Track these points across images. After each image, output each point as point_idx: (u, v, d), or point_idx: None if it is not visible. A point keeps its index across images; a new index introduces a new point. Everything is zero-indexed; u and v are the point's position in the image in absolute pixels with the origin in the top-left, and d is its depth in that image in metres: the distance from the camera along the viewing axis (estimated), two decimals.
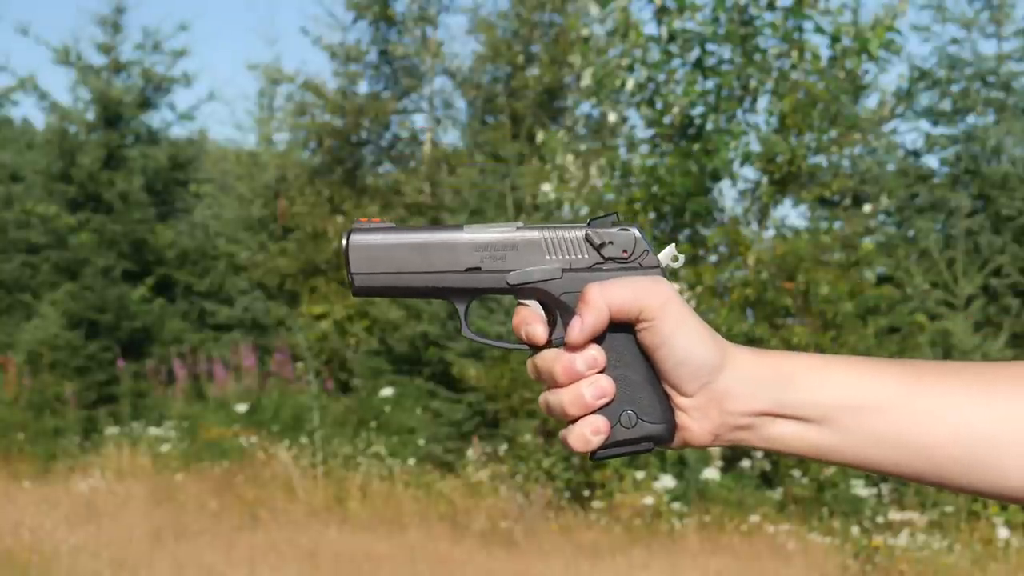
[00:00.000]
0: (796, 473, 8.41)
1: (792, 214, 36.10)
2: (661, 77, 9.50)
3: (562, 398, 1.05)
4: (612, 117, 9.88)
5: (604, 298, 1.04)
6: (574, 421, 1.05)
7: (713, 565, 6.83)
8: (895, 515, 7.59)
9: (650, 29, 9.68)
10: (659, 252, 1.09)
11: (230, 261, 14.09)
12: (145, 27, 14.61)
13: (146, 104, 14.29)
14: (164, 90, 14.41)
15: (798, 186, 9.75)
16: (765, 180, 9.44)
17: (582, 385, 1.04)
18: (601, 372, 1.05)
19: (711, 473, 8.37)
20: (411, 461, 9.44)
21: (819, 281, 8.86)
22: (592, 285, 1.05)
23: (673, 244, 1.10)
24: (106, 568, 6.54)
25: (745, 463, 8.68)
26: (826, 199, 10.97)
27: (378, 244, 1.08)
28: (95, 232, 13.35)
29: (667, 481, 8.22)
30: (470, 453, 9.41)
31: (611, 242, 1.08)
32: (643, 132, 10.04)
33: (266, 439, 10.10)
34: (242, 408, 11.11)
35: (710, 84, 9.36)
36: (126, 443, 10.34)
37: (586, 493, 8.50)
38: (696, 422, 1.05)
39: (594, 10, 9.79)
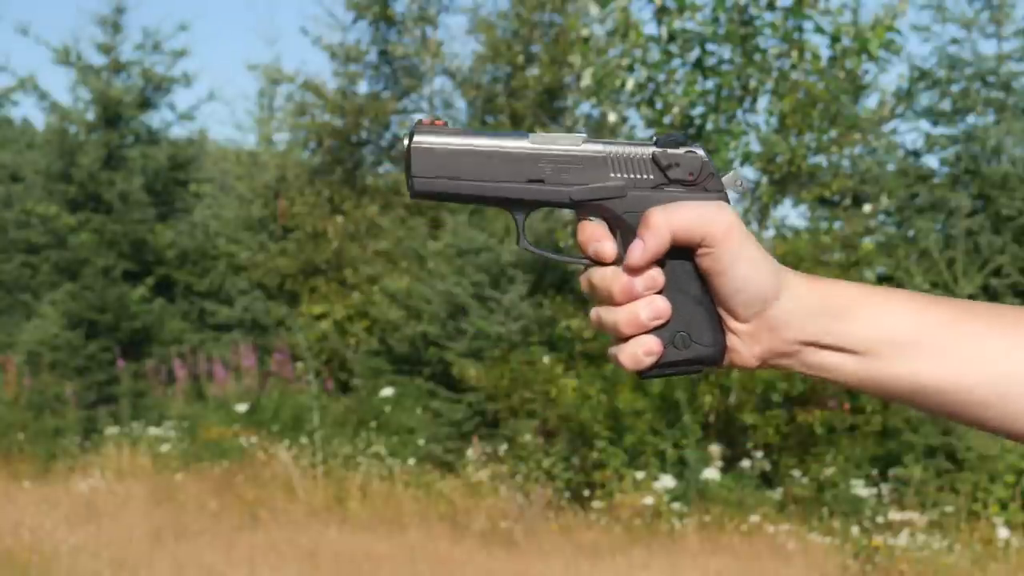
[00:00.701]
0: (796, 473, 8.41)
1: (792, 214, 36.08)
2: (661, 77, 9.50)
3: (617, 316, 1.04)
4: (612, 117, 9.89)
5: (668, 223, 1.03)
6: (626, 340, 1.05)
7: (713, 565, 6.83)
8: (895, 515, 7.59)
9: (650, 29, 9.69)
10: (723, 176, 1.09)
11: (230, 261, 14.09)
12: (145, 27, 14.61)
13: (146, 104, 14.29)
14: (164, 90, 14.40)
15: (798, 186, 9.75)
16: (765, 180, 9.44)
17: (639, 305, 1.04)
18: (658, 293, 1.05)
19: (711, 473, 8.37)
20: (411, 461, 9.44)
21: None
22: (656, 209, 1.04)
23: (737, 169, 1.09)
24: (106, 568, 6.54)
25: (745, 463, 8.68)
26: (826, 199, 10.97)
27: (442, 148, 1.06)
28: (95, 232, 13.35)
29: (667, 481, 8.22)
30: (470, 453, 9.41)
31: (678, 164, 1.06)
32: (643, 132, 10.04)
33: (266, 439, 10.10)
34: (242, 408, 11.11)
35: (710, 84, 9.37)
36: (126, 443, 10.34)
37: (586, 493, 8.50)
38: (745, 346, 1.06)
39: (594, 10, 9.79)
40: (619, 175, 1.06)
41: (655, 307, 1.04)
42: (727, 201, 1.07)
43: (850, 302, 1.05)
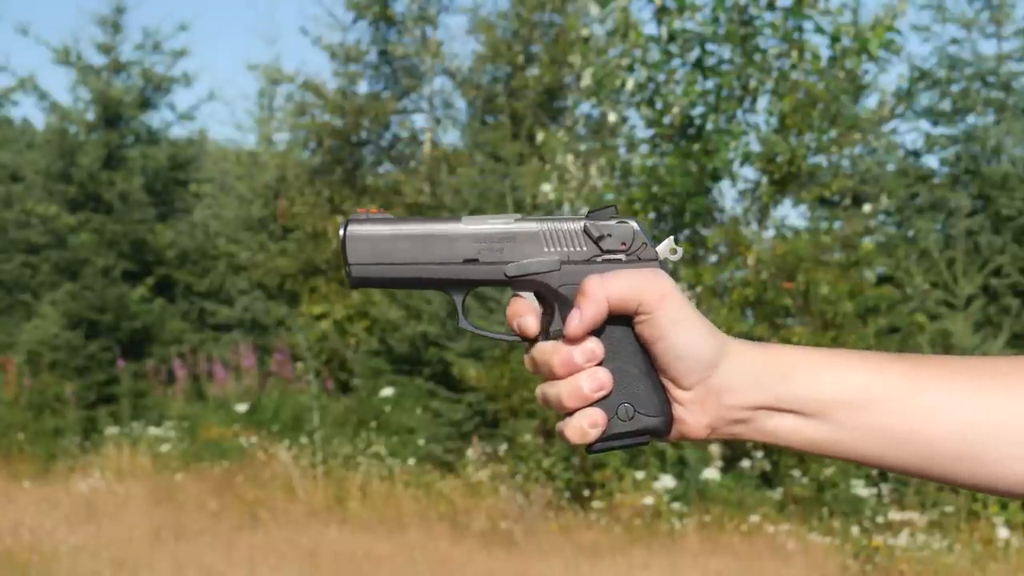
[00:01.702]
0: (796, 473, 8.41)
1: (792, 214, 36.12)
2: (661, 77, 9.50)
3: (560, 390, 1.04)
4: (612, 117, 9.89)
5: (603, 290, 1.03)
6: (571, 413, 1.05)
7: (713, 565, 6.83)
8: (895, 515, 7.59)
9: (650, 29, 9.69)
10: (658, 245, 1.09)
11: (230, 261, 14.09)
12: (145, 27, 14.62)
13: (146, 104, 14.29)
14: (164, 90, 14.41)
15: (798, 186, 9.75)
16: (765, 180, 9.44)
17: (580, 377, 1.04)
18: (599, 365, 1.05)
19: (711, 473, 8.37)
20: (411, 461, 9.44)
21: (819, 281, 8.86)
22: (591, 277, 1.04)
23: (672, 237, 1.10)
24: (106, 568, 6.54)
25: (745, 463, 8.68)
26: (826, 199, 10.97)
27: (375, 235, 1.07)
28: (95, 232, 13.35)
29: (667, 481, 8.22)
30: (470, 453, 9.41)
31: (610, 234, 1.07)
32: (643, 132, 10.05)
33: (266, 439, 10.10)
34: (242, 408, 11.11)
35: (710, 84, 9.37)
36: (126, 443, 10.34)
37: (586, 493, 8.50)
38: (693, 415, 1.05)
39: (594, 10, 9.79)
40: (553, 249, 1.07)
41: (596, 379, 1.04)
42: (664, 268, 1.07)
43: (795, 363, 1.04)
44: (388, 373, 11.77)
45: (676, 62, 9.48)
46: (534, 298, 1.08)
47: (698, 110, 9.42)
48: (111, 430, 10.93)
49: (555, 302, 1.07)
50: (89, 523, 7.72)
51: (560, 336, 1.05)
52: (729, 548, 7.25)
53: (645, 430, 1.06)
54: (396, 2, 15.04)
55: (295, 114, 15.38)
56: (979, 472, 1.02)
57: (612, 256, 1.07)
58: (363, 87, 15.25)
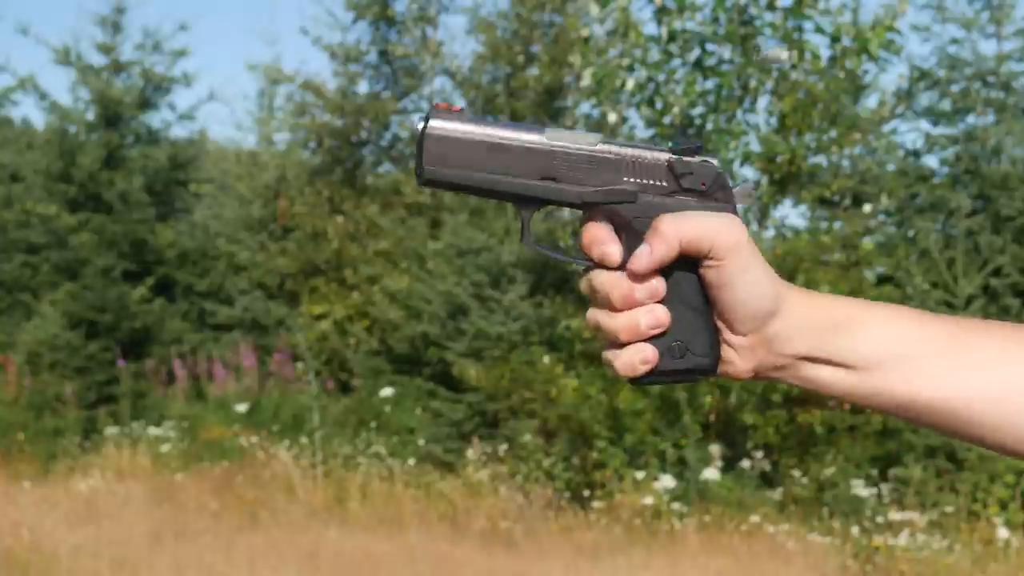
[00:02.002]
0: (796, 473, 8.41)
1: (792, 214, 36.09)
2: (661, 77, 9.50)
3: (616, 323, 1.03)
4: (612, 117, 9.89)
5: (677, 231, 1.02)
6: (622, 346, 1.05)
7: (713, 565, 6.83)
8: (895, 515, 7.59)
9: (650, 29, 9.70)
10: (735, 188, 1.08)
11: (230, 261, 14.09)
12: (145, 27, 14.60)
13: (146, 104, 14.28)
14: (164, 90, 14.40)
15: (798, 186, 9.75)
16: (765, 180, 9.44)
17: (639, 313, 1.03)
18: (659, 302, 1.04)
19: (711, 473, 8.37)
20: (411, 461, 9.44)
21: (819, 281, 8.86)
22: (666, 216, 1.03)
23: (751, 182, 1.09)
24: (106, 568, 6.54)
25: (745, 463, 8.68)
26: (826, 199, 10.97)
27: (456, 137, 1.04)
28: (95, 232, 13.34)
29: (667, 481, 8.22)
30: (470, 453, 9.41)
31: (691, 173, 1.05)
32: (643, 132, 10.05)
33: (266, 439, 10.10)
34: (242, 408, 11.11)
35: (710, 84, 9.37)
36: (126, 443, 10.34)
37: (586, 493, 8.50)
38: (741, 358, 1.06)
39: (594, 10, 9.79)
40: (632, 179, 1.05)
41: (655, 316, 1.03)
42: (737, 214, 1.06)
43: (848, 317, 1.04)
44: (388, 373, 11.77)
45: (676, 62, 9.49)
46: (609, 225, 1.06)
47: (698, 110, 9.43)
48: (111, 430, 10.92)
49: (624, 233, 1.05)
50: (89, 523, 7.71)
51: (625, 268, 1.04)
52: (729, 548, 7.25)
53: (694, 369, 1.05)
54: (396, 2, 15.04)
55: (295, 114, 15.37)
56: (1012, 436, 1.03)
57: (690, 195, 1.05)
58: (363, 87, 15.25)
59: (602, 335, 1.05)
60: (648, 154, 1.06)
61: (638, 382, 1.05)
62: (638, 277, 1.03)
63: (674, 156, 1.06)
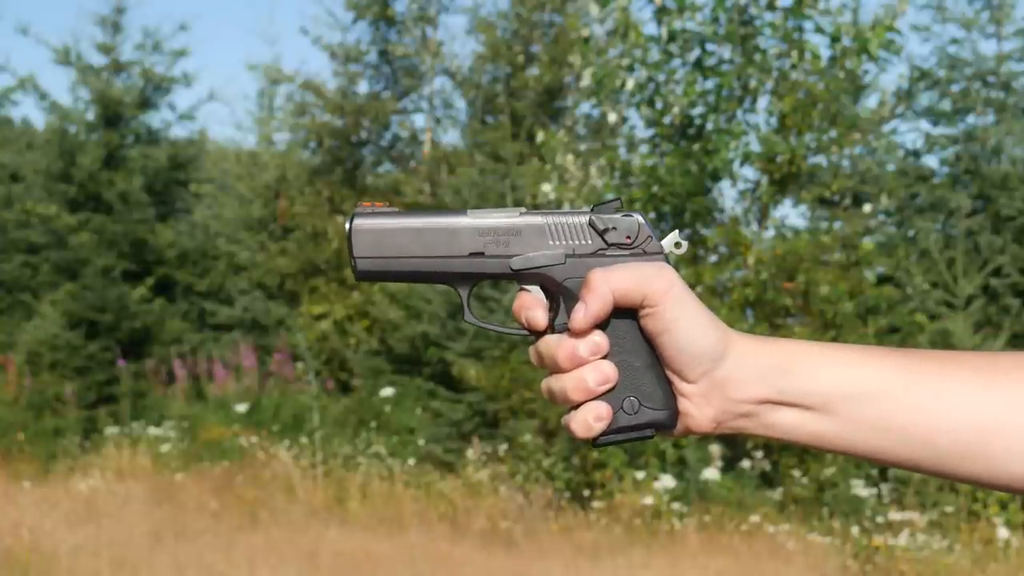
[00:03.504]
0: (796, 473, 8.41)
1: (792, 214, 36.12)
2: (661, 77, 9.50)
3: (564, 384, 1.04)
4: (612, 117, 9.89)
5: (608, 283, 1.03)
6: (576, 407, 1.05)
7: (713, 565, 6.83)
8: (895, 515, 7.59)
9: (650, 29, 9.70)
10: (662, 239, 1.09)
11: (230, 261, 14.09)
12: (145, 27, 14.61)
13: (146, 104, 14.28)
14: (164, 90, 14.40)
15: (798, 186, 9.75)
16: (765, 180, 9.44)
17: (585, 371, 1.04)
18: (604, 358, 1.04)
19: (711, 473, 8.37)
20: (411, 461, 9.44)
21: (819, 281, 8.86)
22: (596, 270, 1.04)
23: (676, 231, 1.10)
24: (106, 568, 6.54)
25: (745, 463, 8.68)
26: (826, 199, 10.97)
27: (381, 228, 1.07)
28: (95, 232, 13.34)
29: (667, 481, 8.22)
30: (470, 453, 9.41)
31: (614, 228, 1.07)
32: (643, 132, 10.05)
33: (266, 439, 10.10)
34: (242, 408, 11.11)
35: (710, 84, 9.37)
36: (126, 443, 10.34)
37: (586, 493, 8.50)
38: (698, 408, 1.05)
39: (594, 10, 9.79)
40: (558, 242, 1.07)
41: (601, 372, 1.04)
42: (668, 262, 1.07)
43: (801, 358, 1.04)
44: (388, 373, 11.77)
45: (676, 62, 9.48)
46: (540, 291, 1.08)
47: (698, 110, 9.42)
48: (111, 430, 10.92)
49: (560, 295, 1.07)
50: (89, 523, 7.71)
51: (565, 329, 1.05)
52: (729, 548, 7.25)
53: (650, 423, 1.05)
54: (396, 2, 15.04)
55: (295, 114, 15.38)
56: (979, 467, 1.02)
57: (617, 250, 1.07)
58: (363, 87, 15.26)
59: (556, 401, 1.06)
60: (570, 217, 1.08)
61: (597, 443, 1.06)
62: (579, 335, 1.04)
63: (593, 214, 1.07)
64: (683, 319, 1.03)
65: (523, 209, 1.09)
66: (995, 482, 1.03)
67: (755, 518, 7.75)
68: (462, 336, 10.74)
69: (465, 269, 1.08)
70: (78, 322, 12.52)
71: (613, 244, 1.07)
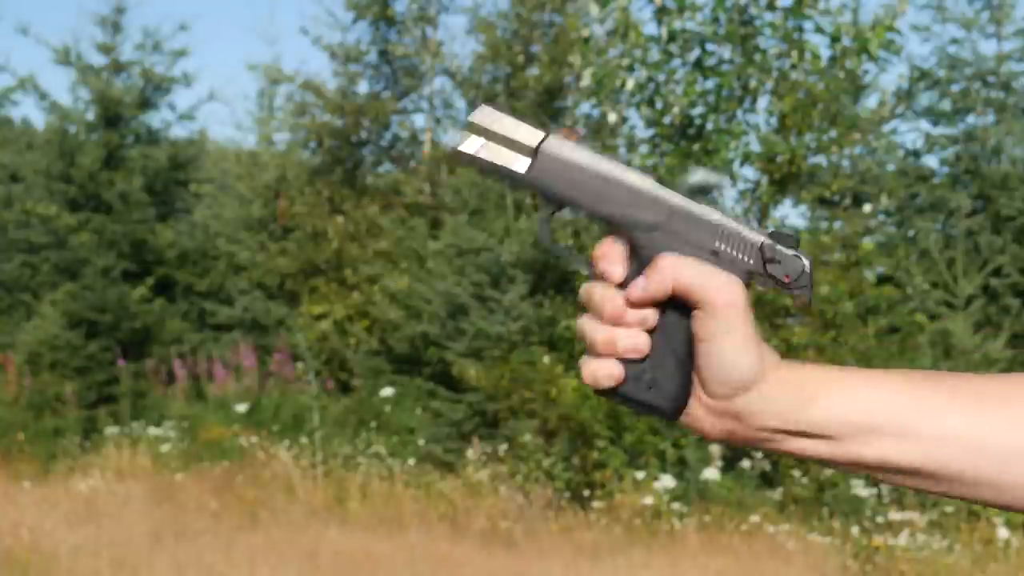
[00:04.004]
0: (796, 473, 8.41)
1: (792, 214, 36.02)
2: (661, 77, 9.50)
3: (597, 334, 1.04)
4: (612, 117, 9.89)
5: (674, 272, 1.03)
6: (598, 356, 1.06)
7: (713, 565, 6.83)
8: (895, 515, 7.59)
9: (650, 29, 9.69)
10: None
11: (230, 261, 14.09)
12: (145, 27, 14.61)
13: (146, 104, 14.29)
14: (164, 90, 14.40)
15: (798, 186, 9.75)
16: (765, 180, 9.44)
17: (621, 333, 1.04)
18: (646, 331, 1.04)
19: (711, 473, 8.37)
20: (411, 461, 9.44)
21: (819, 281, 8.86)
22: (670, 256, 1.04)
23: (808, 279, 1.08)
24: (106, 568, 6.54)
25: (745, 463, 8.68)
26: (826, 199, 10.97)
27: (570, 161, 1.06)
28: (95, 232, 13.35)
29: (667, 481, 8.22)
30: (470, 453, 9.41)
31: (779, 262, 1.06)
32: (643, 132, 10.05)
33: (266, 439, 10.10)
34: (242, 408, 11.11)
35: (710, 84, 9.37)
36: (126, 443, 10.34)
37: (586, 493, 8.50)
38: (709, 419, 1.06)
39: (594, 10, 9.79)
40: (722, 246, 1.06)
41: (634, 342, 1.03)
42: (747, 286, 1.06)
43: (817, 389, 1.04)
44: (388, 373, 11.77)
45: (676, 62, 9.48)
46: (624, 245, 1.07)
47: (698, 110, 9.42)
48: (111, 430, 10.93)
49: (637, 260, 1.06)
50: (89, 523, 7.72)
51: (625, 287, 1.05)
52: (729, 548, 7.25)
53: (654, 406, 1.05)
54: (396, 2, 15.04)
55: (295, 114, 15.37)
56: (1001, 496, 1.03)
57: (769, 282, 1.06)
58: (363, 87, 15.25)
59: (582, 340, 1.06)
60: (745, 230, 1.06)
61: (600, 393, 1.06)
62: (632, 303, 1.04)
63: (768, 240, 1.06)
64: (728, 338, 1.02)
65: (717, 209, 1.07)
66: (1015, 505, 1.03)
67: (755, 518, 7.75)
68: (462, 336, 10.74)
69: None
70: (78, 322, 12.52)
71: (770, 276, 1.06)
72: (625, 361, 1.04)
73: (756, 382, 1.03)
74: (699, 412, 1.06)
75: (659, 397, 1.05)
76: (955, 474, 1.03)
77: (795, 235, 1.07)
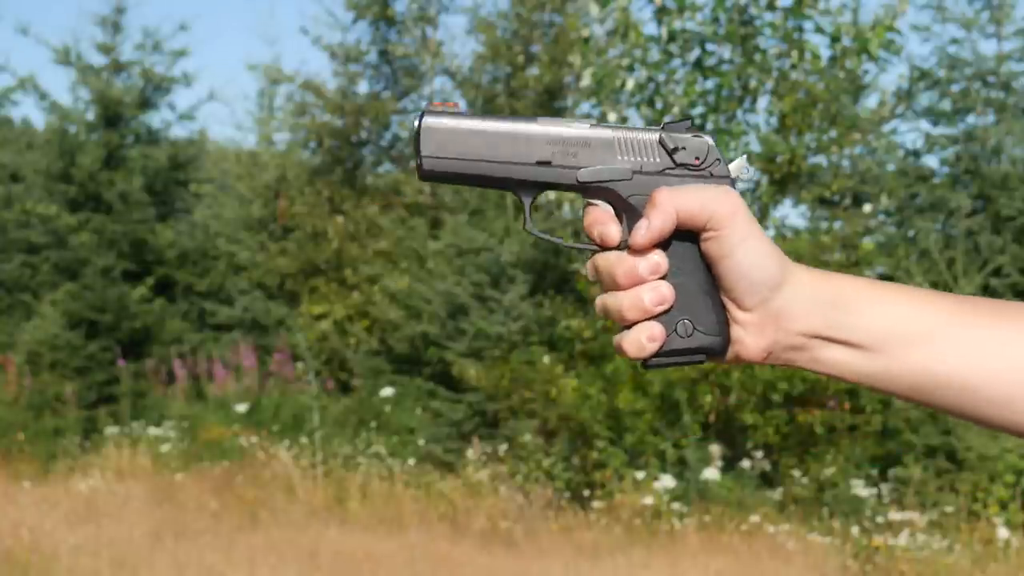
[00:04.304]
0: (796, 473, 8.41)
1: (792, 214, 36.08)
2: (661, 77, 9.50)
3: (621, 301, 1.04)
4: (612, 117, 9.89)
5: (673, 202, 1.03)
6: (630, 326, 1.04)
7: (713, 565, 6.83)
8: (895, 515, 7.59)
9: (650, 29, 9.70)
10: (730, 163, 1.08)
11: (230, 261, 14.09)
12: (145, 27, 14.61)
13: (146, 104, 14.29)
14: (164, 90, 14.40)
15: (798, 186, 9.75)
16: (765, 180, 9.45)
17: (642, 290, 1.03)
18: (662, 279, 1.04)
19: (711, 473, 8.37)
20: (411, 461, 9.44)
21: None
22: (662, 189, 1.03)
23: (745, 156, 1.09)
24: (106, 568, 6.54)
25: (745, 463, 8.68)
26: (826, 199, 10.97)
27: (451, 128, 1.06)
28: (95, 232, 13.34)
29: (667, 481, 8.22)
30: (470, 453, 9.41)
31: (684, 147, 1.06)
32: None
33: (266, 439, 10.10)
34: (242, 408, 11.11)
35: (710, 84, 9.37)
36: (126, 443, 10.34)
37: (586, 493, 8.50)
38: (751, 337, 1.05)
39: (594, 10, 9.79)
40: (627, 158, 1.06)
41: (659, 292, 1.03)
42: (734, 187, 1.06)
43: (856, 295, 1.04)
44: (388, 373, 11.77)
45: (676, 62, 9.49)
46: (608, 206, 1.07)
47: (698, 110, 9.43)
48: (111, 430, 10.92)
49: (624, 212, 1.06)
50: (89, 523, 7.71)
51: (626, 247, 1.04)
52: (729, 548, 7.25)
53: (702, 348, 1.05)
54: (396, 2, 15.04)
55: (295, 114, 15.37)
56: (1018, 416, 1.03)
57: (684, 170, 1.06)
58: (363, 87, 15.25)
59: (610, 317, 1.05)
60: (640, 133, 1.07)
61: (648, 364, 1.05)
62: (639, 252, 1.03)
63: (664, 132, 1.07)
64: (746, 245, 1.03)
65: (593, 121, 1.07)
66: None
67: (755, 518, 7.75)
68: (462, 336, 10.74)
69: (531, 177, 1.06)
70: (78, 322, 12.52)
71: (681, 164, 1.06)
72: (658, 317, 1.03)
73: (785, 277, 1.04)
74: (740, 334, 1.05)
75: (704, 338, 1.04)
76: (990, 394, 1.02)
77: (687, 119, 1.07)
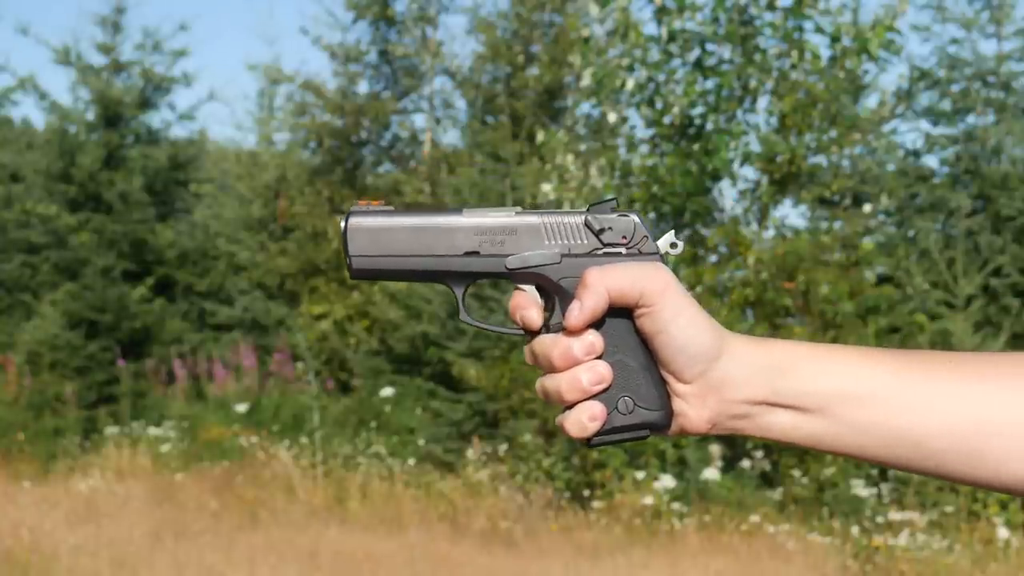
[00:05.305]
0: (796, 473, 8.41)
1: (792, 214, 36.09)
2: (661, 77, 9.50)
3: (559, 383, 1.05)
4: (612, 117, 9.88)
5: (604, 282, 1.03)
6: (571, 407, 1.05)
7: (713, 565, 6.83)
8: (895, 515, 7.59)
9: (650, 29, 9.70)
10: (658, 239, 1.09)
11: (230, 261, 14.09)
12: (145, 27, 14.62)
13: (146, 104, 14.29)
14: (164, 90, 14.40)
15: (798, 186, 9.75)
16: (765, 180, 9.44)
17: (579, 370, 1.04)
18: (598, 358, 1.04)
19: (711, 473, 8.37)
20: (411, 461, 9.44)
21: (819, 281, 8.86)
22: (592, 269, 1.04)
23: (672, 231, 1.10)
24: (106, 568, 6.54)
25: (745, 463, 8.68)
26: (826, 199, 10.97)
27: (377, 227, 1.07)
28: (95, 232, 13.34)
29: (667, 481, 8.22)
30: (470, 453, 9.41)
31: (610, 228, 1.07)
32: (643, 132, 10.05)
33: (266, 439, 10.10)
34: (242, 408, 11.11)
35: (710, 84, 9.37)
36: (126, 443, 10.34)
37: (586, 493, 8.50)
38: (693, 409, 1.05)
39: (594, 10, 9.79)
40: (554, 242, 1.07)
41: (596, 372, 1.04)
42: (664, 262, 1.07)
43: (797, 359, 1.04)
44: (388, 373, 11.77)
45: (676, 62, 9.48)
46: (535, 291, 1.08)
47: (698, 110, 9.42)
48: (111, 430, 10.92)
49: (556, 295, 1.07)
50: (89, 523, 7.71)
51: (560, 329, 1.05)
52: (729, 548, 7.25)
53: (645, 424, 1.05)
54: (396, 2, 15.04)
55: (295, 114, 15.38)
56: (978, 469, 1.02)
57: (613, 249, 1.07)
58: (363, 87, 15.26)
59: (550, 400, 1.06)
60: (565, 217, 1.08)
61: (592, 444, 1.06)
62: (574, 334, 1.04)
63: (589, 214, 1.08)
64: (679, 319, 1.03)
65: (519, 208, 1.08)
66: (994, 483, 1.03)
67: (755, 518, 7.75)
68: (462, 336, 10.74)
69: (460, 268, 1.07)
70: (78, 322, 12.52)
71: (609, 244, 1.07)
72: (598, 396, 1.04)
73: (722, 348, 1.03)
74: (682, 407, 1.06)
75: (645, 413, 1.05)
76: (938, 449, 1.02)
77: (612, 199, 1.08)
